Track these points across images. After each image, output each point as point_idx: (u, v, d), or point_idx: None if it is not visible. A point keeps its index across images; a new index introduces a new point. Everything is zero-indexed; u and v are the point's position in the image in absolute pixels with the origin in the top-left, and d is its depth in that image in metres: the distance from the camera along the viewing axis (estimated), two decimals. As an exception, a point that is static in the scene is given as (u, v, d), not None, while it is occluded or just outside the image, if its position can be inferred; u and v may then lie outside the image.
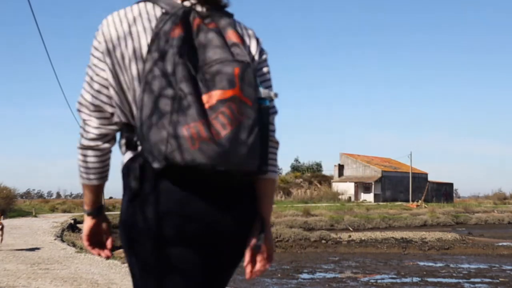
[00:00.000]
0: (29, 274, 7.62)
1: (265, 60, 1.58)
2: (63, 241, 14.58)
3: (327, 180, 62.76)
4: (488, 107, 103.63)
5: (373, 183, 57.86)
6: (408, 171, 60.62)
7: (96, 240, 1.64)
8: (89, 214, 1.61)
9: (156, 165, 1.32)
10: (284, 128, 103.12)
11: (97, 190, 1.58)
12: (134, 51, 1.43)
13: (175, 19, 1.40)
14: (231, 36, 1.44)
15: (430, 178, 64.46)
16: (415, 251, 19.52)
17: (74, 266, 8.69)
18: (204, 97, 1.34)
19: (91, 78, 1.49)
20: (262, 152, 1.40)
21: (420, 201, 49.22)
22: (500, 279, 13.08)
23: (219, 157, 1.30)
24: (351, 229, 28.52)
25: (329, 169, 66.57)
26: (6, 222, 16.75)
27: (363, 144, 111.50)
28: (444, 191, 65.52)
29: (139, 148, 1.42)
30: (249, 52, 1.52)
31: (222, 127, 1.31)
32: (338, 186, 59.21)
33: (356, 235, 23.49)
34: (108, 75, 1.46)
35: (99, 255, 1.68)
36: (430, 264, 16.14)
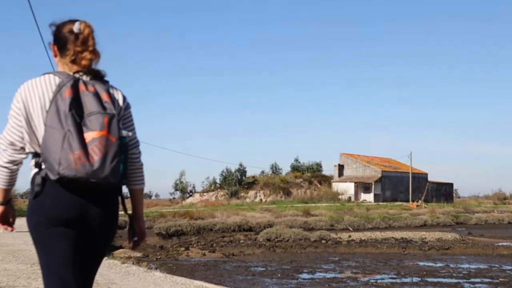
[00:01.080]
0: (29, 274, 7.62)
1: (129, 111, 2.45)
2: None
3: (327, 180, 62.68)
4: (488, 107, 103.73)
5: (373, 183, 57.82)
6: (408, 171, 60.58)
7: (4, 220, 2.46)
8: (1, 204, 2.41)
9: (52, 177, 2.15)
10: (285, 128, 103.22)
11: (8, 191, 2.42)
12: (41, 106, 2.25)
13: (67, 85, 2.24)
14: (104, 97, 2.28)
15: (430, 178, 64.40)
16: (415, 251, 19.53)
17: (74, 266, 8.67)
18: (85, 135, 2.16)
19: (10, 124, 2.29)
20: (123, 171, 2.25)
21: (420, 201, 49.24)
22: (500, 279, 13.09)
23: (92, 173, 2.13)
24: (351, 229, 28.53)
25: (329, 169, 66.33)
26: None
27: (363, 144, 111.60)
28: (444, 191, 65.47)
29: (43, 166, 2.22)
30: (117, 107, 2.34)
31: (95, 154, 2.14)
32: (338, 186, 59.13)
33: (356, 235, 23.51)
34: (23, 122, 2.26)
35: (6, 228, 2.48)
36: (430, 264, 16.14)
